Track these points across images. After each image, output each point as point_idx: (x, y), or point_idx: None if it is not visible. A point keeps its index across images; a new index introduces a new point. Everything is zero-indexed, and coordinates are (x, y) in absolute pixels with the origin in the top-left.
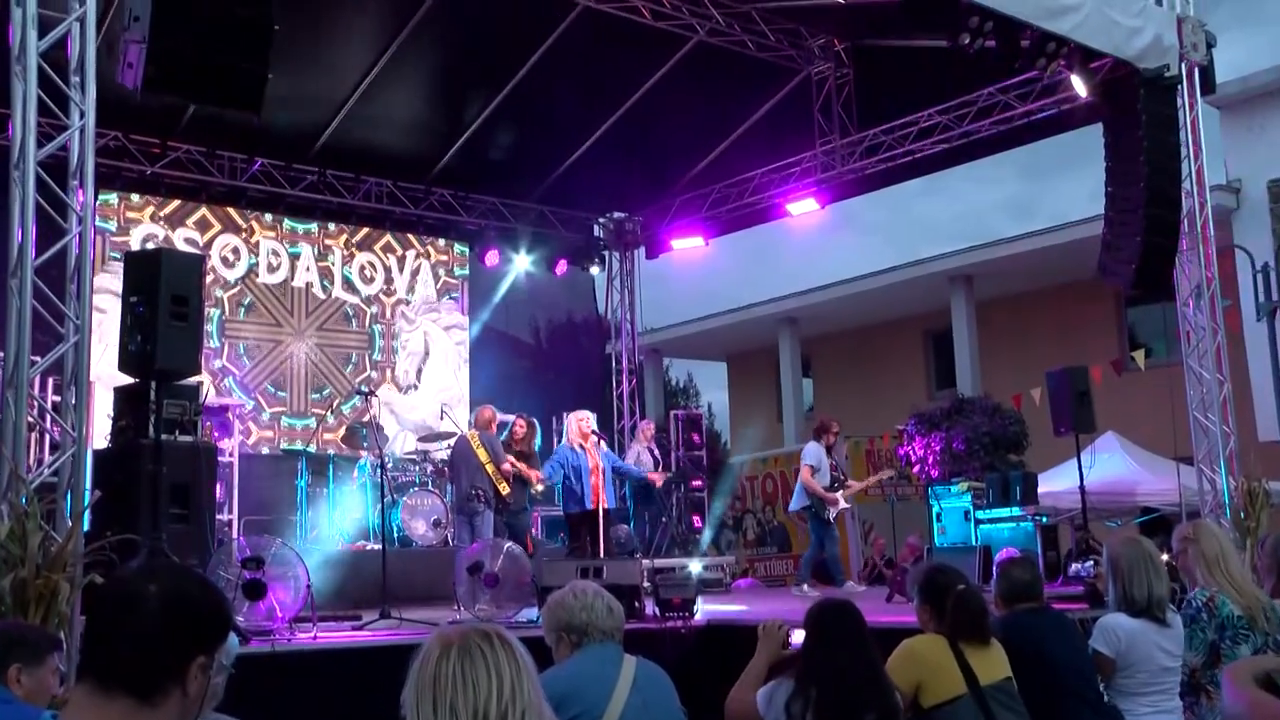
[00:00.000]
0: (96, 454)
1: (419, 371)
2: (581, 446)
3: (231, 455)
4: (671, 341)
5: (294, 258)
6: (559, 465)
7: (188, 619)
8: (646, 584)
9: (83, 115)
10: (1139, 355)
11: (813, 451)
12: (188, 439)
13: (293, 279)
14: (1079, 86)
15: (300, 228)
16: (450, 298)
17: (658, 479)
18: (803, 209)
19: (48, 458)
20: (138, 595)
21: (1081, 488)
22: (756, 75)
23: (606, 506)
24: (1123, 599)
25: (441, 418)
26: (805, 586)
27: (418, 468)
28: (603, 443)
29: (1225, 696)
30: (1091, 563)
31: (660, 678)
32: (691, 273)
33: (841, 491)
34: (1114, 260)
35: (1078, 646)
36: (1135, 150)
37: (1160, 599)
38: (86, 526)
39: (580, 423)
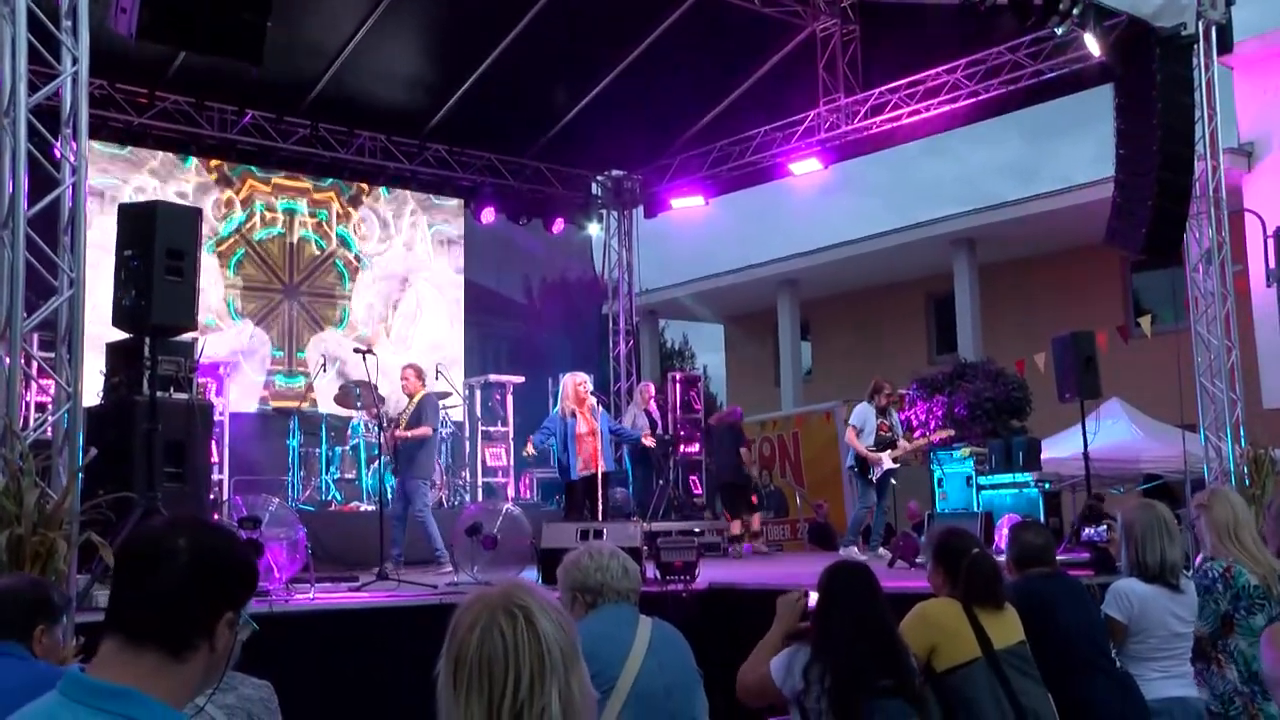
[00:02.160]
0: (88, 411)
1: (412, 330)
2: (574, 413)
3: (222, 414)
4: (668, 303)
5: (287, 213)
6: (548, 433)
7: (217, 573)
8: (644, 547)
9: (75, 61)
10: (1145, 321)
11: (859, 412)
12: (183, 396)
13: (285, 234)
14: (1092, 46)
15: (291, 182)
16: (444, 256)
17: (651, 441)
18: (805, 169)
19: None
20: (167, 549)
21: (1085, 454)
22: (760, 31)
23: (606, 469)
24: (1136, 564)
25: (436, 378)
26: (853, 548)
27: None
28: (600, 405)
29: (1265, 660)
30: (1105, 527)
31: (676, 639)
32: (689, 233)
33: (888, 451)
34: (1123, 224)
35: (1090, 611)
36: (1148, 112)
37: (1174, 565)
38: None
39: (578, 386)
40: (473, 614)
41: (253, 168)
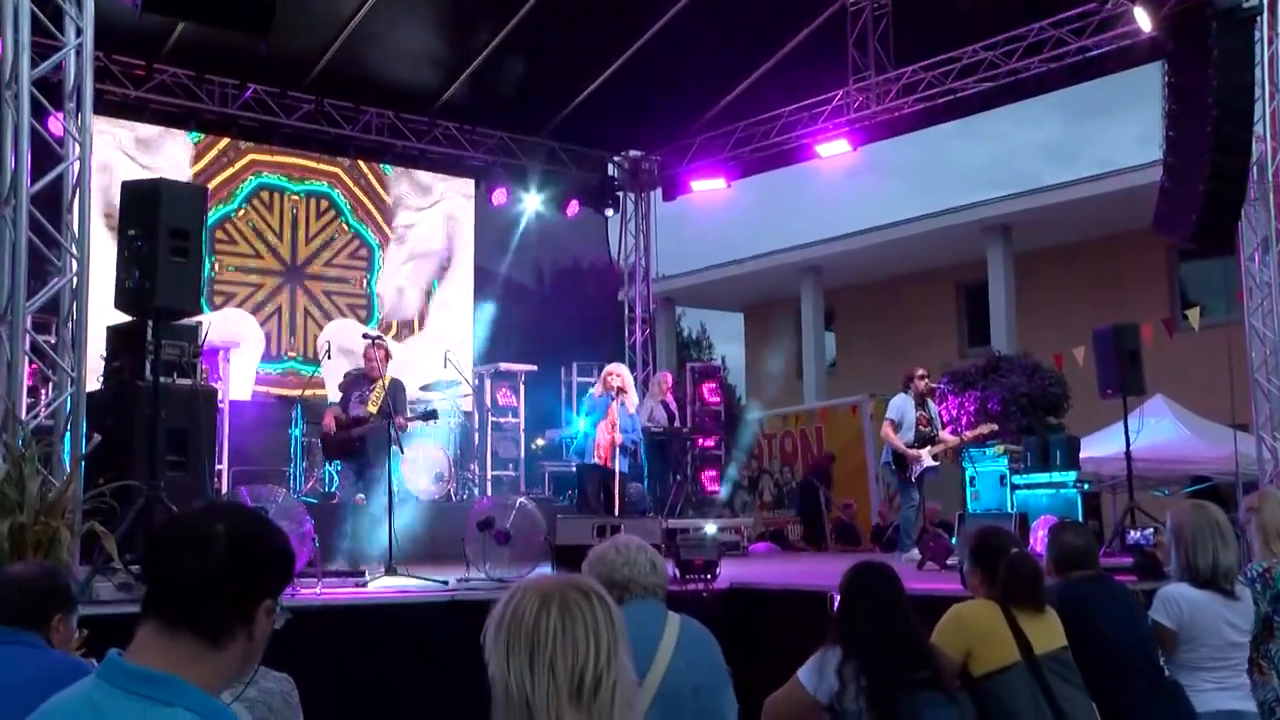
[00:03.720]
0: (88, 396)
1: (421, 316)
2: (619, 399)
3: (222, 402)
4: (685, 290)
5: (291, 191)
6: (595, 409)
7: (256, 560)
8: (662, 544)
9: (79, 32)
10: (1193, 314)
11: (895, 404)
12: (186, 382)
13: (289, 213)
14: (1143, 20)
15: (297, 160)
16: (453, 238)
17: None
18: (833, 151)
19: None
20: (206, 535)
21: (1128, 453)
22: (787, 4)
23: (621, 469)
24: (1186, 568)
25: (445, 365)
26: (915, 550)
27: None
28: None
29: None
30: (1152, 530)
31: (705, 637)
32: (709, 217)
33: (928, 448)
34: (1172, 210)
35: (1136, 617)
36: (1202, 90)
37: (1227, 569)
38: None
39: (609, 376)
40: (537, 596)
41: (255, 143)
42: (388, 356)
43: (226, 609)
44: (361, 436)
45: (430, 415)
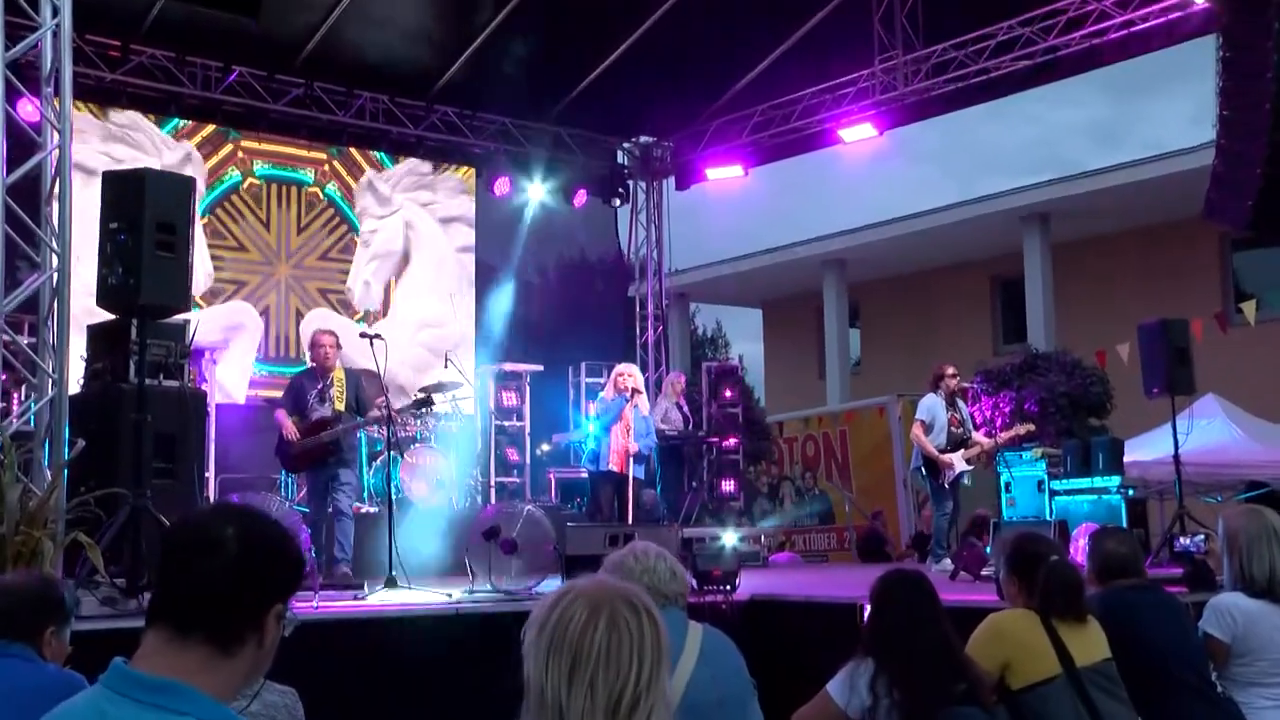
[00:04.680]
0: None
1: (415, 311)
2: (632, 401)
3: (209, 405)
4: (700, 285)
5: (279, 180)
6: (607, 412)
7: (267, 564)
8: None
9: (56, 12)
10: (1248, 307)
11: (925, 405)
12: (173, 384)
13: (278, 204)
14: None
15: (284, 148)
16: (452, 231)
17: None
18: (857, 135)
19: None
20: (216, 538)
21: (1176, 457)
22: None
23: (635, 475)
24: (1240, 577)
25: (445, 365)
26: (948, 560)
27: (419, 421)
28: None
29: None
30: (1203, 537)
31: (729, 648)
32: (725, 206)
33: (961, 451)
34: (1225, 196)
35: (1186, 629)
36: (1261, 65)
37: None
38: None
39: (619, 377)
40: (587, 604)
41: (239, 132)
42: (338, 345)
43: (238, 614)
44: (335, 442)
45: (425, 403)
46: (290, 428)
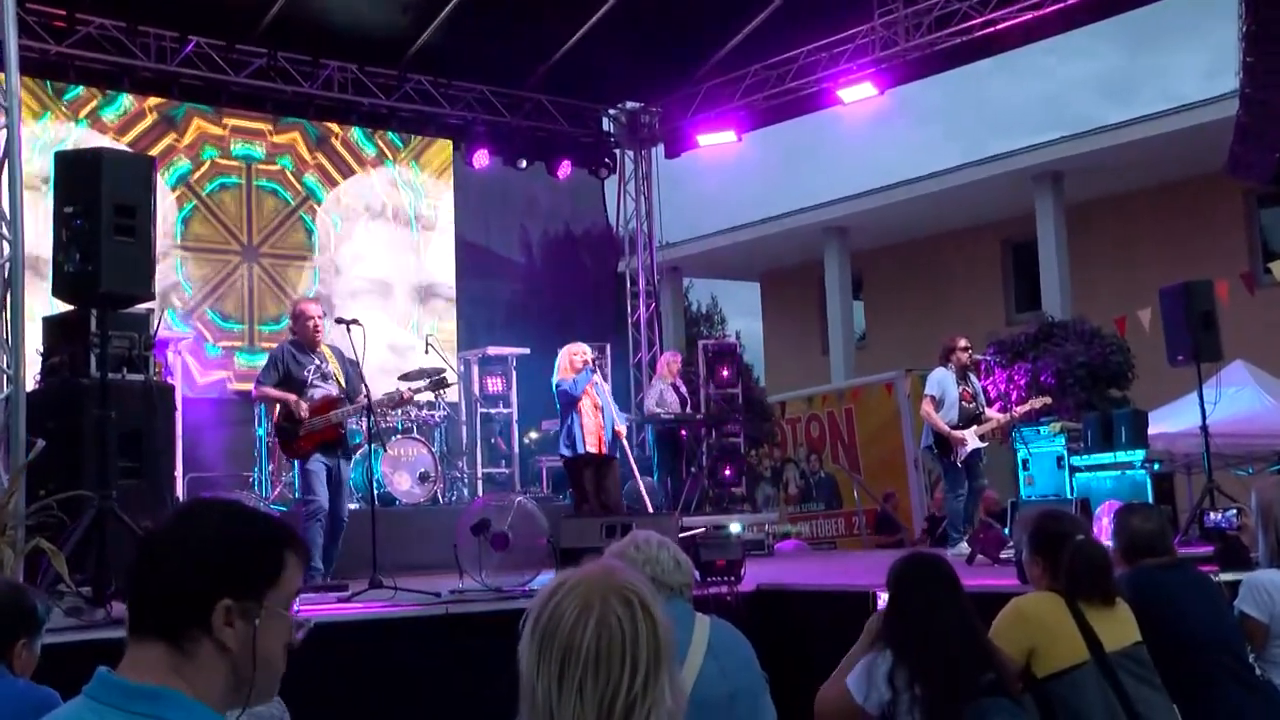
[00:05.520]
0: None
1: (390, 295)
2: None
3: (176, 400)
4: (693, 258)
5: (243, 160)
6: (577, 390)
7: (204, 551)
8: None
9: None
10: (1277, 267)
11: (935, 379)
12: (138, 378)
13: (242, 185)
14: None
15: (249, 124)
16: (430, 207)
17: (622, 430)
18: (857, 95)
19: None
20: (162, 532)
21: (1204, 428)
22: None
23: (611, 454)
24: (1276, 553)
25: (426, 351)
26: (964, 543)
27: (399, 411)
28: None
29: None
30: (1235, 511)
31: (738, 641)
32: (717, 175)
33: (974, 428)
34: (1250, 150)
35: (1220, 608)
36: None
37: None
38: None
39: (573, 357)
40: (579, 599)
41: (200, 106)
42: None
43: (176, 606)
44: (343, 426)
45: (441, 383)
46: (294, 399)
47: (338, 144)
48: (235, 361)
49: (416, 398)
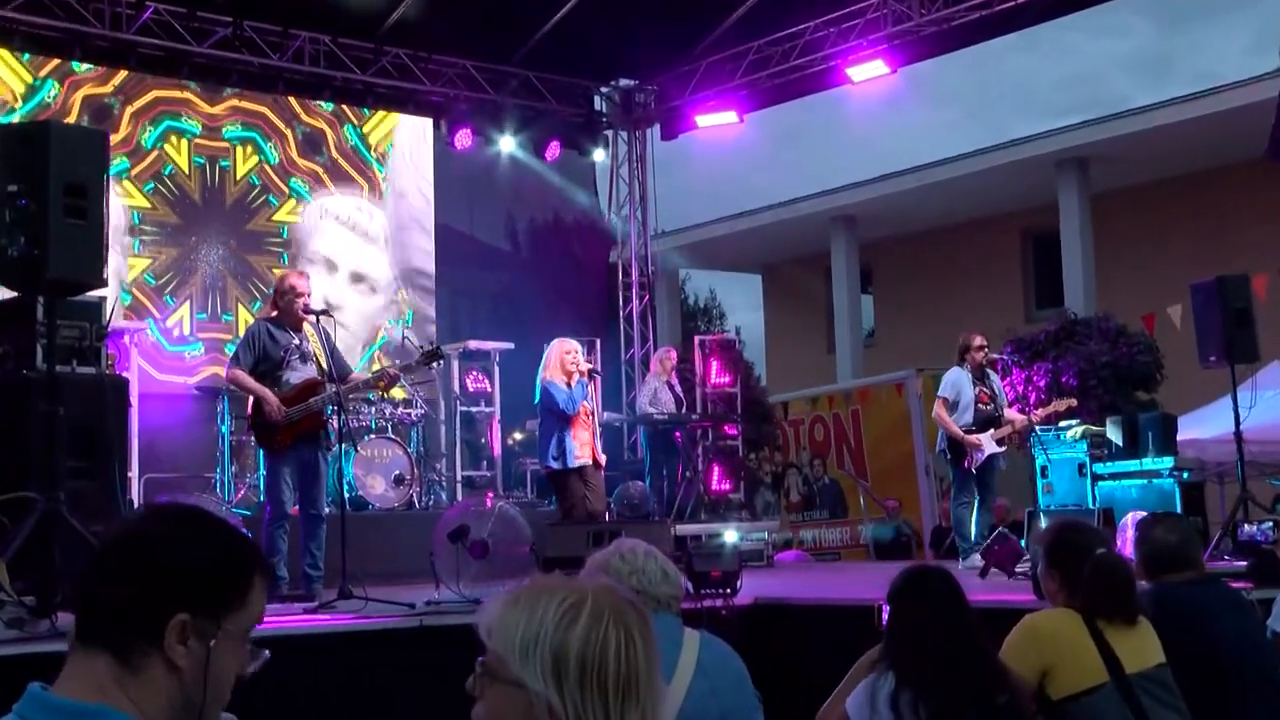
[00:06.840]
0: None
1: (365, 284)
2: (568, 385)
3: (131, 394)
4: (691, 248)
5: (204, 135)
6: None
7: (166, 557)
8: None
9: None
10: None
11: (950, 380)
12: (89, 371)
13: (205, 164)
14: None
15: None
16: (406, 190)
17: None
18: (867, 74)
19: None
20: (112, 540)
21: (1238, 434)
22: None
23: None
24: None
25: (403, 343)
26: (976, 556)
27: (373, 409)
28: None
29: None
30: (1270, 525)
31: (730, 657)
32: (717, 159)
33: (991, 431)
34: None
35: (1252, 628)
36: None
37: None
38: None
39: (565, 356)
40: (617, 622)
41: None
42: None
43: (122, 619)
44: (322, 412)
45: (435, 355)
46: (273, 400)
47: (309, 120)
48: (194, 354)
49: (403, 378)
